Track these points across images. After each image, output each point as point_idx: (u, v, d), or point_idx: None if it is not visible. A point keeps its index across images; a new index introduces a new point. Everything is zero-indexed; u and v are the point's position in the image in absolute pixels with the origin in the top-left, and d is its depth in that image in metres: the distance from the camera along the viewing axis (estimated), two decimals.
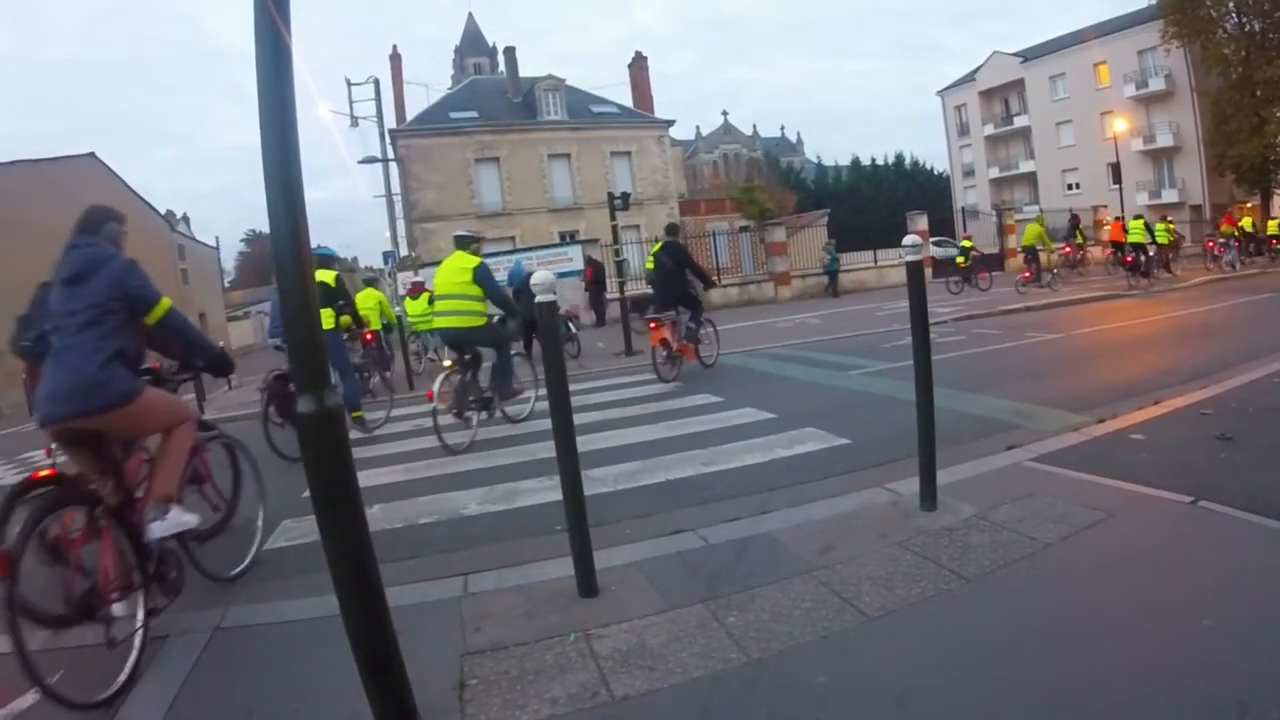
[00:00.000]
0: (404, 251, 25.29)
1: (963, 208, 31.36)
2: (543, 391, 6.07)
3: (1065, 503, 3.13)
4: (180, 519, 2.89)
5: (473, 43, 55.89)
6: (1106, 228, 17.07)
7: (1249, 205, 25.99)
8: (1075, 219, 18.80)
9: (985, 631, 2.24)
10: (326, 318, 6.67)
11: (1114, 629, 2.13)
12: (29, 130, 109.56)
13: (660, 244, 8.36)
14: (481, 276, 5.98)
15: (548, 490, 4.12)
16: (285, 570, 3.43)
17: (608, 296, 17.51)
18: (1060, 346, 8.37)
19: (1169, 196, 33.82)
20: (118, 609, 2.53)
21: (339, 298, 7.01)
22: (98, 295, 2.71)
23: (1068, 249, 16.87)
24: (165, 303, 2.91)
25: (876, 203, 49.32)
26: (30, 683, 2.14)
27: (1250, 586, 2.30)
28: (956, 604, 2.41)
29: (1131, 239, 15.15)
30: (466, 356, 6.10)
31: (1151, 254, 15.47)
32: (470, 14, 64.27)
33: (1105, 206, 25.11)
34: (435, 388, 5.73)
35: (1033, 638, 2.16)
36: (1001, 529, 2.94)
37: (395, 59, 30.67)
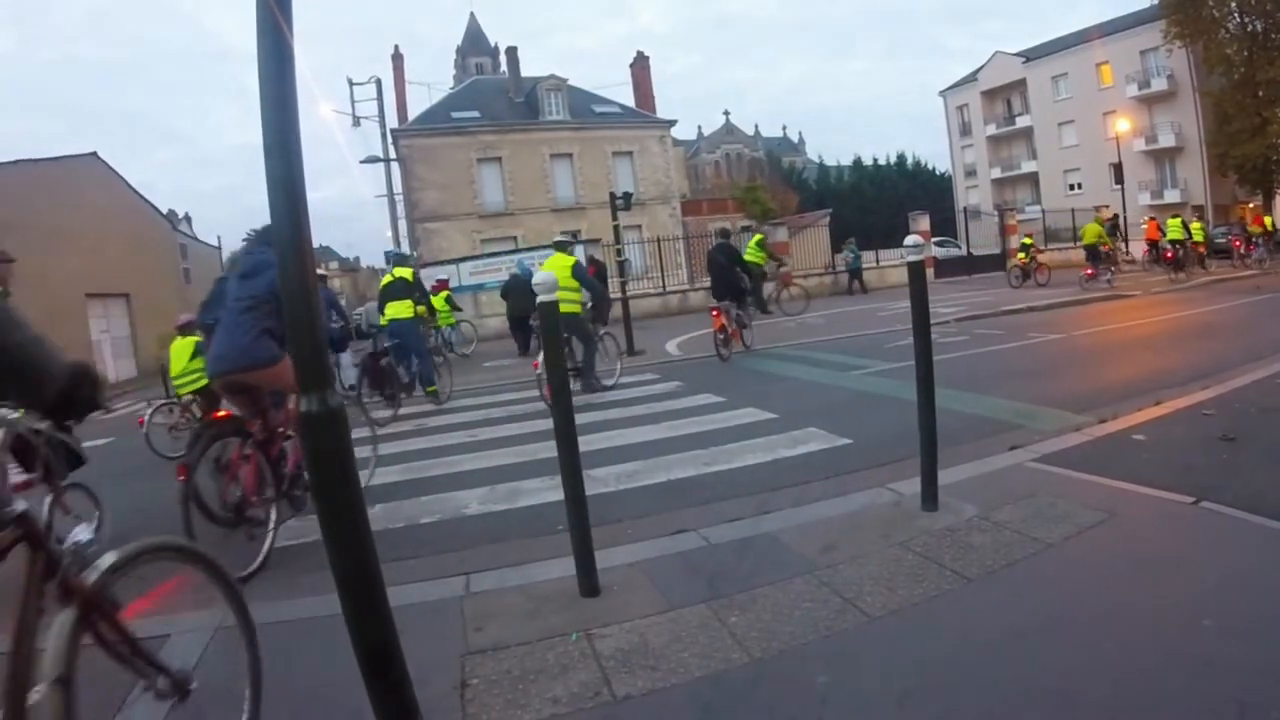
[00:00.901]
0: (405, 251, 25.31)
1: (965, 208, 31.24)
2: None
3: (1067, 503, 3.12)
4: None
5: (475, 43, 55.93)
6: (1143, 227, 17.77)
7: (1251, 205, 25.97)
8: (1114, 218, 19.15)
9: (987, 632, 2.24)
10: (406, 308, 8.17)
11: (1115, 629, 2.13)
12: (30, 130, 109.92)
13: (715, 244, 10.35)
14: (578, 271, 7.50)
15: (549, 490, 4.11)
16: (286, 569, 3.43)
17: (609, 296, 17.49)
18: (1062, 347, 8.37)
19: (1171, 197, 33.70)
20: (258, 514, 3.52)
21: (415, 290, 8.28)
22: (259, 290, 3.64)
23: (1104, 246, 17.19)
24: None
25: (879, 203, 49.15)
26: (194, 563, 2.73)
27: (1251, 587, 2.30)
28: (958, 604, 2.40)
29: (1170, 236, 16.28)
30: (564, 334, 6.85)
31: (1189, 249, 16.53)
32: (472, 14, 64.01)
33: (1107, 206, 25.07)
34: (540, 358, 6.54)
35: (1034, 638, 2.16)
36: (1003, 529, 2.94)
37: (397, 59, 30.72)
